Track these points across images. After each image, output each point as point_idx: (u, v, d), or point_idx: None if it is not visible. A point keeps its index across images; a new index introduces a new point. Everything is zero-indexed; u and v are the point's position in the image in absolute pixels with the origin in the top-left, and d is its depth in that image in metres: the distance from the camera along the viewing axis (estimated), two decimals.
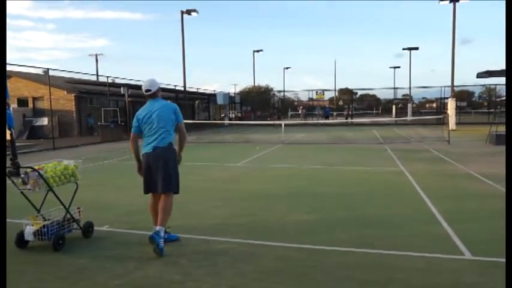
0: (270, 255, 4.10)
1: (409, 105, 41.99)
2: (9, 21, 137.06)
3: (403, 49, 45.32)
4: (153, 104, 4.49)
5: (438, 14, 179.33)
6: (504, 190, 6.60)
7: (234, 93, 45.99)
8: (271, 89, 50.44)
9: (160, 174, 4.35)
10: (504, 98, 32.11)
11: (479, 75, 15.94)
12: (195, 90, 38.08)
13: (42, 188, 4.29)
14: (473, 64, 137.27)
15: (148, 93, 4.50)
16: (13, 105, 23.90)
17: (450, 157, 11.68)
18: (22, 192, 4.36)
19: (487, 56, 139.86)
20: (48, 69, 19.45)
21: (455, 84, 26.60)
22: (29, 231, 4.32)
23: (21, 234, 4.35)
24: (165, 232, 4.38)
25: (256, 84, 50.21)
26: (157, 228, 4.21)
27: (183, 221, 5.31)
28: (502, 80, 30.21)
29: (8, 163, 4.11)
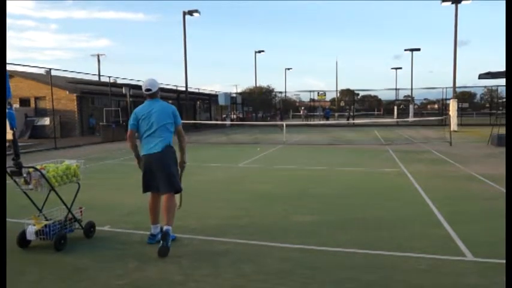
0: (272, 256, 4.09)
1: (411, 106, 41.95)
2: (12, 21, 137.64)
3: (405, 50, 45.38)
4: (152, 104, 4.49)
5: (436, 16, 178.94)
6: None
7: (236, 94, 45.94)
8: (273, 90, 50.36)
9: (162, 175, 4.37)
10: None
11: (481, 76, 15.89)
12: (197, 90, 38.11)
13: (44, 188, 4.30)
14: (471, 66, 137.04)
15: (149, 92, 4.50)
16: (15, 105, 23.97)
17: (452, 158, 11.67)
18: (24, 192, 4.37)
19: (484, 58, 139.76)
20: (50, 69, 19.58)
21: (456, 85, 26.58)
22: (30, 230, 4.33)
23: (23, 234, 4.35)
24: None
25: (257, 85, 50.17)
26: (165, 228, 4.22)
27: (185, 222, 5.31)
28: (504, 81, 30.13)
29: (11, 163, 4.12)
